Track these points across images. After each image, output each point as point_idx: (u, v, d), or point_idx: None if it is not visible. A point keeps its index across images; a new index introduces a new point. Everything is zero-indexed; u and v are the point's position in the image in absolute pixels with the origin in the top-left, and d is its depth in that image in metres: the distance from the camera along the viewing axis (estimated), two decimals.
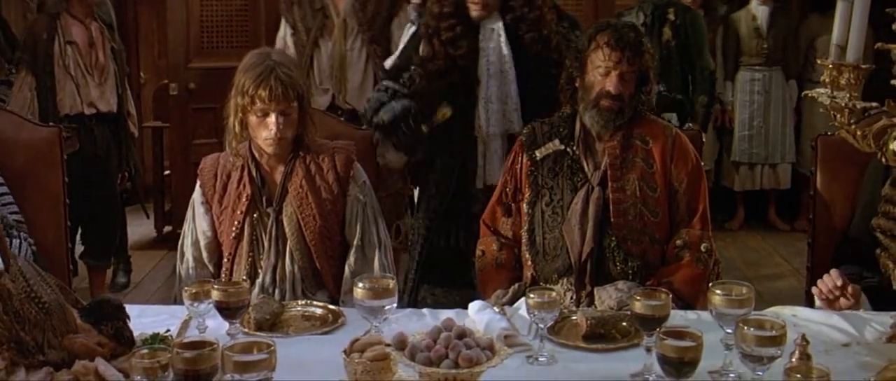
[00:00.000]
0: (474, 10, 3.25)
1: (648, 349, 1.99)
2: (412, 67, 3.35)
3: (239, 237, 2.79)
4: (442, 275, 3.35)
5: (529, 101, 3.26)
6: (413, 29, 3.46)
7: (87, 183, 4.50)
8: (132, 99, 5.12)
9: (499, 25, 3.27)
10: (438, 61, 3.27)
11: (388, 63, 3.63)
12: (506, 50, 3.26)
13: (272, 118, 2.67)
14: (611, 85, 2.70)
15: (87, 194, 4.44)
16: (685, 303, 2.59)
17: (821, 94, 1.99)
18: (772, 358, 1.83)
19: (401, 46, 3.54)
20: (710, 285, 2.10)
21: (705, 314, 2.24)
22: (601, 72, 2.72)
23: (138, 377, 1.73)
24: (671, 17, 4.88)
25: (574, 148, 2.78)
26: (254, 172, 2.79)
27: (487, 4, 3.24)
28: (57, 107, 4.53)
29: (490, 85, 3.27)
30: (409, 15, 3.58)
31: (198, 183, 2.87)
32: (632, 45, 2.70)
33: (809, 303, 2.55)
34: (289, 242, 2.76)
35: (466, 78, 3.28)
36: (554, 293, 2.11)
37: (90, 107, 4.65)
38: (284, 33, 4.31)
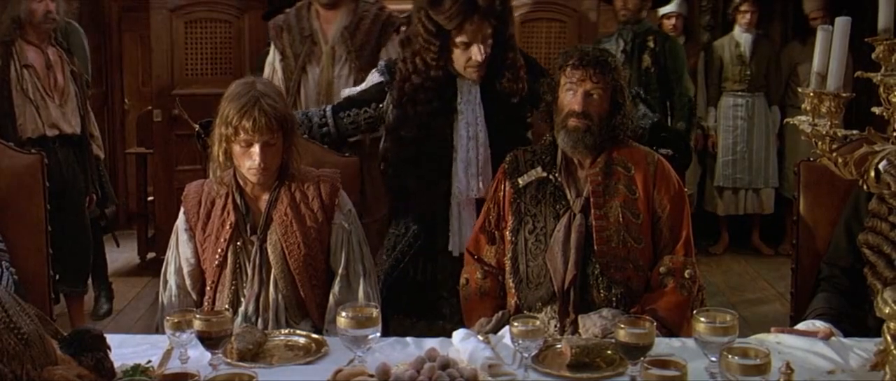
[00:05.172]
0: (473, 75, 3.17)
1: (633, 378, 1.98)
2: (355, 110, 3.33)
3: (222, 265, 2.77)
4: (407, 305, 3.30)
5: (496, 163, 3.16)
6: (379, 79, 3.38)
7: (55, 207, 4.45)
8: (95, 121, 5.08)
9: (476, 88, 3.22)
10: (411, 129, 3.21)
11: (345, 93, 3.62)
12: (480, 113, 3.21)
13: (256, 149, 2.66)
14: (576, 103, 2.71)
15: (54, 218, 4.40)
16: (669, 330, 2.59)
17: (802, 121, 2.01)
18: None
19: (363, 87, 3.49)
20: (695, 312, 2.10)
21: (690, 342, 2.24)
22: (568, 92, 2.74)
23: None
24: (651, 44, 4.92)
25: (556, 175, 2.79)
26: (238, 200, 2.78)
27: (483, 67, 3.16)
28: (17, 131, 4.49)
29: (469, 147, 3.20)
30: (379, 64, 3.54)
31: (181, 210, 2.86)
32: (595, 63, 2.72)
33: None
34: (273, 270, 2.75)
35: (439, 146, 3.21)
36: (538, 322, 2.10)
37: (52, 128, 4.61)
38: (273, 59, 4.31)
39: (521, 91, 3.22)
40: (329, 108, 3.42)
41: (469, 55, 3.13)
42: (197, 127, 3.13)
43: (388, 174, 3.34)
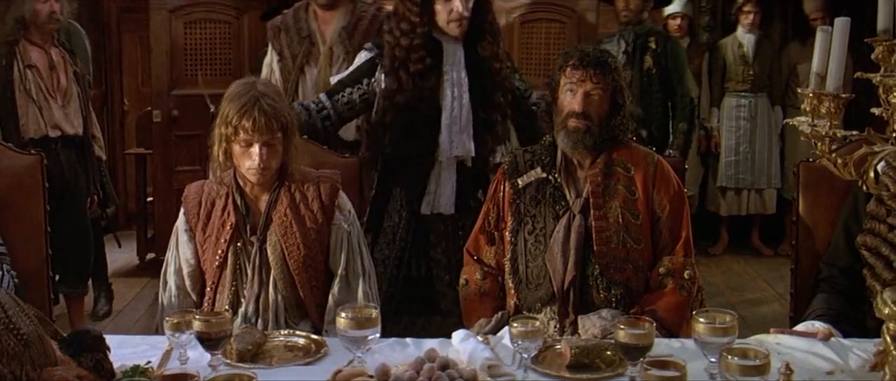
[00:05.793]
0: (454, 31, 3.31)
1: (632, 379, 1.98)
2: (349, 90, 3.42)
3: (222, 266, 2.77)
4: (406, 304, 3.36)
5: (476, 127, 3.38)
6: (368, 55, 3.49)
7: (56, 207, 4.44)
8: (97, 122, 5.08)
9: (460, 50, 3.35)
10: (406, 93, 3.31)
11: (335, 79, 3.66)
12: (464, 75, 3.34)
13: (255, 149, 2.66)
14: (576, 103, 2.71)
15: (56, 219, 4.39)
16: (669, 331, 2.59)
17: (802, 122, 2.01)
18: None
19: (352, 68, 3.57)
20: (694, 312, 2.10)
21: (689, 342, 2.24)
22: (568, 93, 2.74)
23: None
24: (652, 45, 4.91)
25: (556, 176, 2.79)
26: (238, 201, 2.78)
27: (464, 21, 3.30)
28: (20, 132, 4.48)
29: (454, 108, 3.33)
30: (365, 45, 3.62)
31: (181, 211, 2.85)
32: (596, 64, 2.72)
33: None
34: (272, 271, 2.75)
35: (431, 107, 3.33)
36: (537, 322, 2.10)
37: (55, 129, 4.59)
38: (271, 59, 4.33)
39: (502, 57, 3.39)
40: (323, 95, 3.49)
41: (451, 7, 3.27)
42: (212, 108, 3.15)
43: (383, 144, 3.42)
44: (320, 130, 3.38)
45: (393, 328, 3.19)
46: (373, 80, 3.42)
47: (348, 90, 3.43)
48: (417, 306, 3.39)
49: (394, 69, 3.34)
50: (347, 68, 3.98)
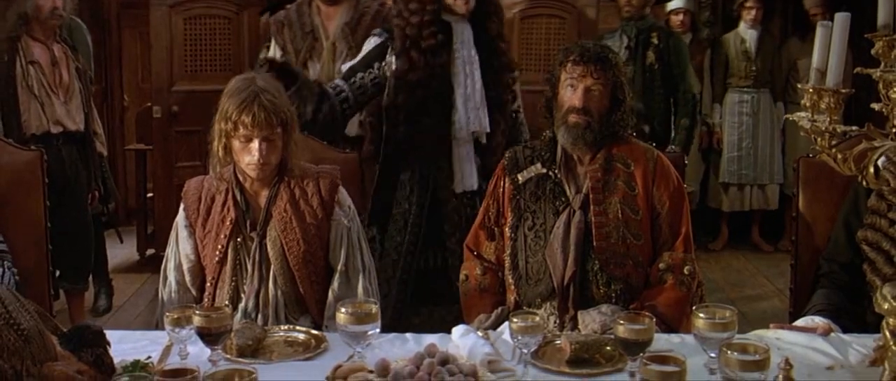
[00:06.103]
0: (461, 8, 3.38)
1: (632, 374, 1.99)
2: (361, 74, 3.47)
3: (222, 261, 2.77)
4: (424, 295, 3.39)
5: (487, 105, 3.47)
6: (378, 40, 3.54)
7: (57, 203, 4.44)
8: (99, 118, 5.08)
9: (468, 29, 3.43)
10: (418, 72, 3.37)
11: (345, 67, 3.68)
12: (474, 53, 3.43)
13: (255, 144, 2.66)
14: (576, 99, 2.71)
15: (56, 215, 4.39)
16: (668, 326, 2.59)
17: (801, 117, 2.01)
18: None
19: (362, 54, 3.61)
20: (694, 308, 2.10)
21: (689, 338, 2.24)
22: (569, 88, 2.74)
23: None
24: (654, 41, 4.91)
25: (556, 172, 2.79)
26: (238, 196, 2.78)
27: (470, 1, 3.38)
28: (22, 128, 4.47)
29: (466, 84, 3.41)
30: (374, 31, 3.67)
31: (181, 206, 2.86)
32: (596, 60, 2.72)
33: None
34: (272, 266, 2.75)
35: (443, 84, 3.39)
36: (537, 318, 2.10)
37: (57, 125, 4.59)
38: (274, 54, 4.32)
39: (506, 38, 3.53)
40: (339, 80, 3.54)
41: None
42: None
43: (397, 122, 3.47)
44: (339, 113, 3.42)
45: (411, 318, 3.24)
46: (383, 63, 3.48)
47: (360, 75, 3.49)
48: (434, 297, 3.41)
49: (405, 50, 3.41)
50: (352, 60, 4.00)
